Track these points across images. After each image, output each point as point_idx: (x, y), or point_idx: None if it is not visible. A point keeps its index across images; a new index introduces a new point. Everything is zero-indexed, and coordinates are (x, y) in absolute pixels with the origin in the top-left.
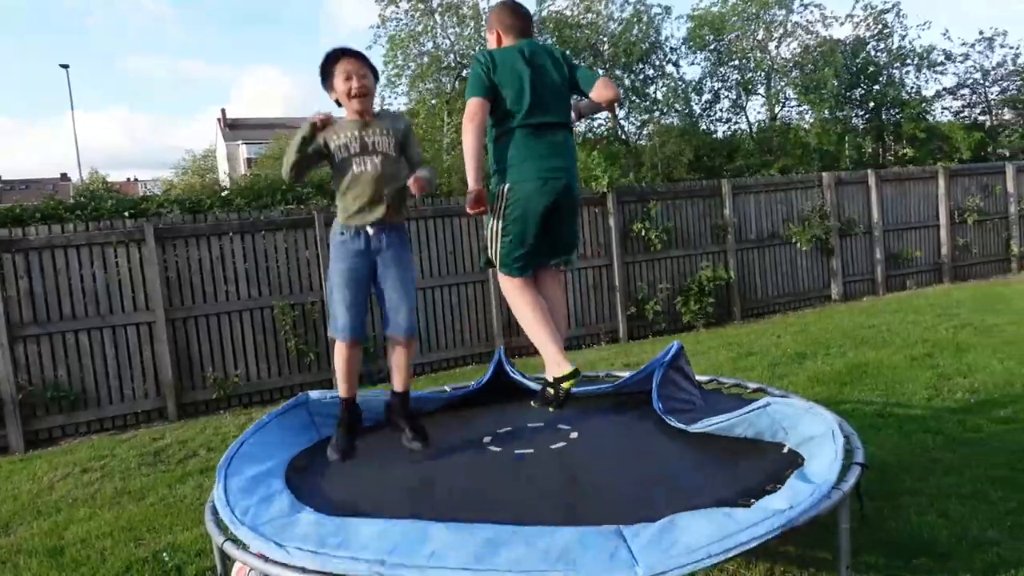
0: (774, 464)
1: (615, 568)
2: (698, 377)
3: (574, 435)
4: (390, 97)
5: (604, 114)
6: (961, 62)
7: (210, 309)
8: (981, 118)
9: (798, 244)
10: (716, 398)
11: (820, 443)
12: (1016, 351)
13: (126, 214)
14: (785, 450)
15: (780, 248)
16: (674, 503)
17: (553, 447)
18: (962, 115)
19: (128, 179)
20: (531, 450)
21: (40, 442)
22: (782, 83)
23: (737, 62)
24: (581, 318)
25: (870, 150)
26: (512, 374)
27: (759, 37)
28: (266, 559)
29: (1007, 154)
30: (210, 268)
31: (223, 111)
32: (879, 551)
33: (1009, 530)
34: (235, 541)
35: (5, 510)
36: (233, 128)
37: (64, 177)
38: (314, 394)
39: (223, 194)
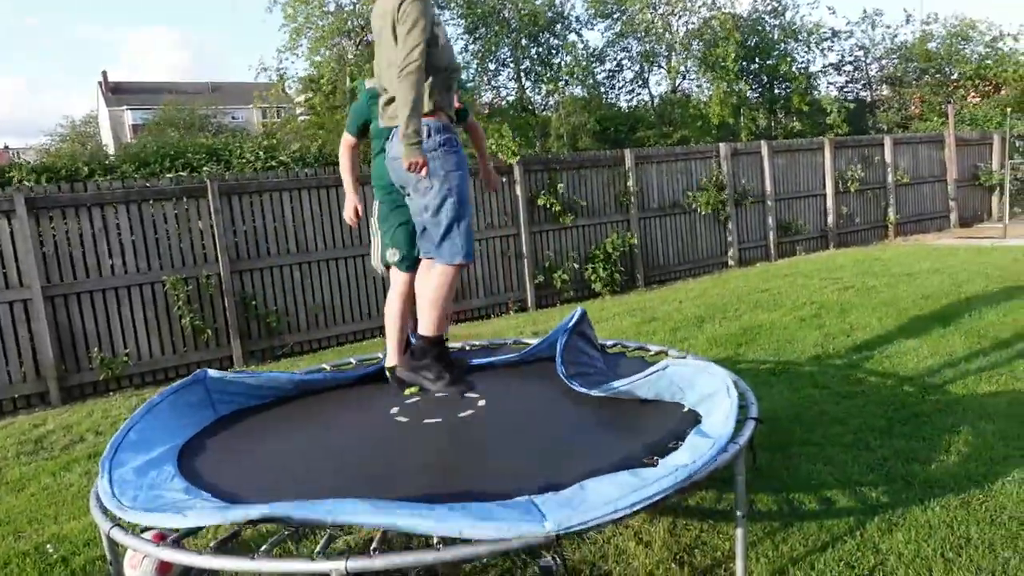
0: (675, 423)
1: (524, 522)
2: (603, 341)
3: (482, 403)
4: (288, 59)
5: (512, 84)
6: (846, 39)
7: (94, 285)
8: (863, 94)
9: (699, 210)
10: (619, 361)
11: (715, 400)
12: (892, 311)
13: None
14: (685, 409)
15: (681, 217)
16: (582, 466)
17: (461, 415)
18: (845, 90)
19: None
20: (439, 419)
21: None
22: (683, 55)
23: (640, 35)
24: (489, 287)
25: (764, 123)
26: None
27: (661, 11)
28: (160, 543)
29: (884, 128)
30: (92, 241)
31: (104, 74)
32: (772, 499)
33: (886, 475)
34: (124, 527)
35: None
36: (117, 92)
37: None
38: (213, 372)
39: (107, 161)
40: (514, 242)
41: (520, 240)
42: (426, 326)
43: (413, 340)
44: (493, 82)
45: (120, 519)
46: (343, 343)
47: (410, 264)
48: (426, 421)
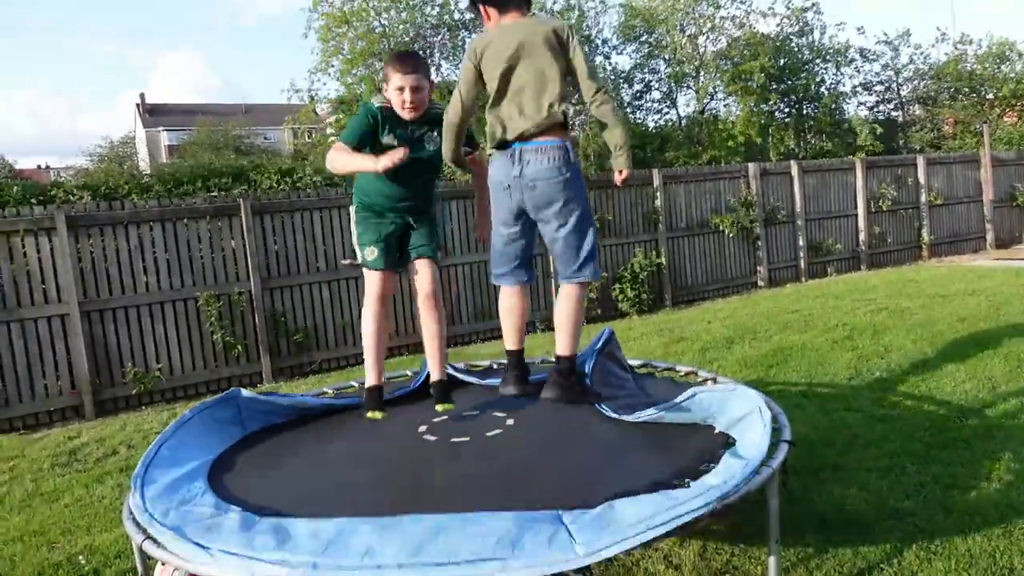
0: (707, 446)
1: (555, 549)
2: (631, 362)
3: (510, 422)
4: (319, 81)
5: None
6: (875, 60)
7: (128, 301)
8: (894, 113)
9: (726, 231)
10: (649, 382)
11: (748, 422)
12: (927, 333)
13: (33, 201)
14: (716, 432)
15: (709, 236)
16: (611, 488)
17: (489, 434)
18: (876, 110)
19: (38, 166)
20: (467, 438)
21: None
22: (711, 75)
23: (668, 56)
24: None
25: (793, 143)
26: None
27: (689, 32)
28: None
29: (917, 148)
30: (128, 258)
31: (142, 96)
32: (805, 525)
33: (923, 502)
34: (155, 540)
35: None
36: (153, 114)
37: None
38: (245, 392)
39: (142, 181)
40: (542, 261)
41: (548, 259)
42: (571, 347)
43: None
44: None
45: (151, 532)
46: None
47: (387, 263)
48: (454, 440)
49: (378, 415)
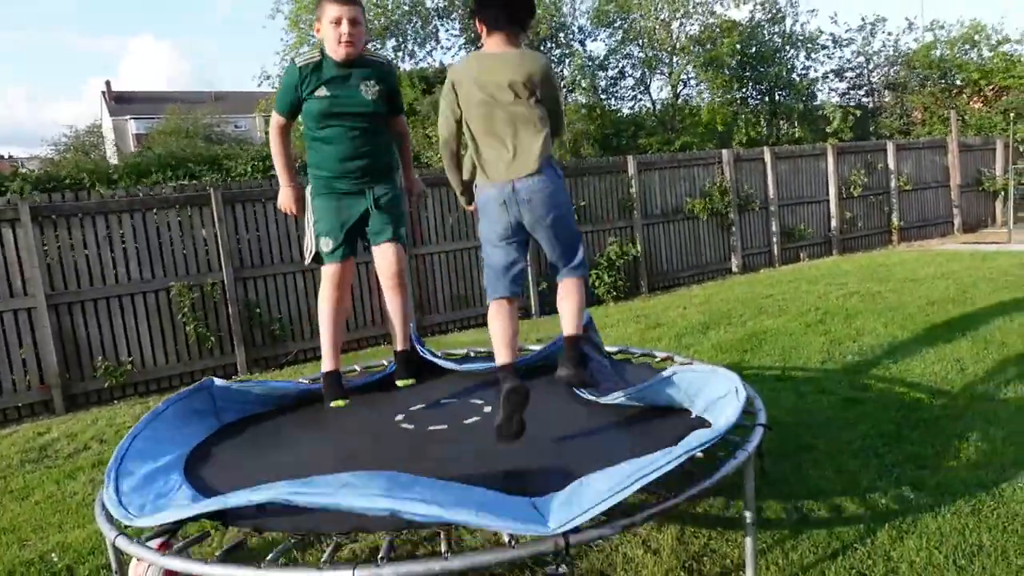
0: (683, 429)
1: (527, 522)
2: (608, 348)
3: (487, 409)
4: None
5: None
6: (846, 46)
7: (98, 293)
8: (864, 100)
9: (701, 217)
10: (625, 368)
11: (725, 402)
12: (898, 316)
13: None
14: (692, 416)
15: (684, 223)
16: (586, 470)
17: (466, 422)
18: (847, 96)
19: (1, 156)
20: (444, 426)
21: None
22: (684, 61)
23: (641, 41)
24: None
25: (765, 130)
26: (423, 353)
27: (663, 17)
28: (165, 550)
29: (887, 135)
30: (96, 249)
31: (108, 84)
32: (780, 506)
33: (895, 481)
34: (129, 536)
35: None
36: (120, 102)
37: None
38: (218, 381)
39: (108, 172)
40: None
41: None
42: (579, 327)
43: (418, 345)
44: None
45: (126, 527)
46: (346, 350)
47: (344, 253)
48: (431, 428)
49: (340, 403)
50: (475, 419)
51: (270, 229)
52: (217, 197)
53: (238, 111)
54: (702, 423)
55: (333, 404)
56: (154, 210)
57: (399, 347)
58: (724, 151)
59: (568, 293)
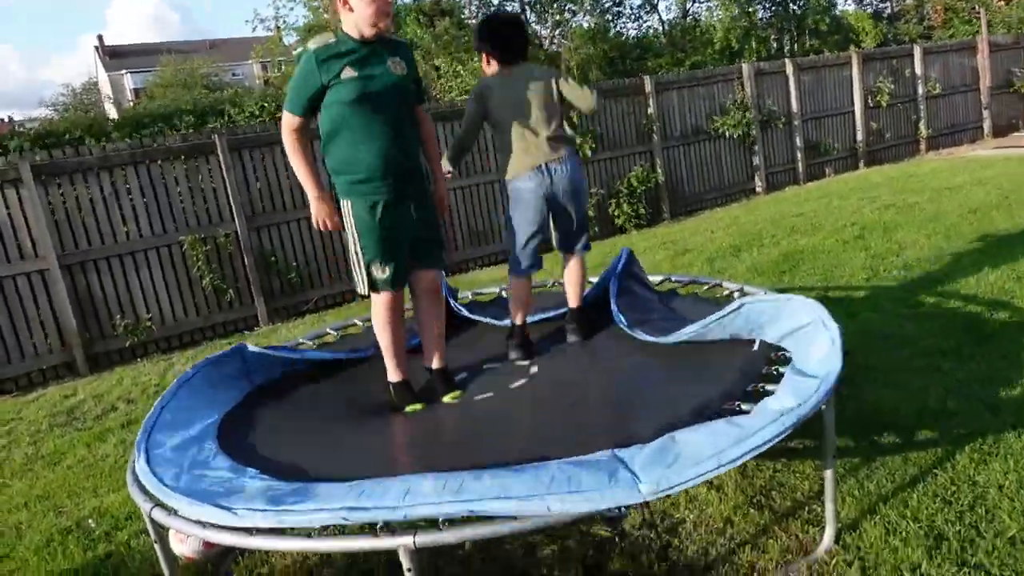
0: (757, 362)
1: (617, 487)
2: (678, 278)
3: (534, 369)
4: (286, 7)
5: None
6: None
7: (110, 250)
8: (881, 5)
9: (727, 132)
10: (674, 300)
11: (806, 334)
12: (939, 227)
13: None
14: (768, 345)
15: (705, 144)
16: (662, 418)
17: (513, 386)
18: (865, 2)
19: (1, 119)
20: (490, 394)
21: None
22: None
23: None
24: None
25: (776, 46)
26: (458, 310)
27: None
28: (204, 524)
29: (906, 40)
30: (104, 205)
31: (100, 38)
32: (847, 432)
33: (965, 400)
34: (165, 507)
35: None
36: (114, 56)
37: None
38: (251, 346)
39: (107, 127)
40: None
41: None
42: (578, 300)
43: (450, 299)
44: None
45: (161, 499)
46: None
47: (400, 281)
48: (477, 398)
49: (417, 407)
50: (522, 381)
51: (280, 175)
52: (223, 144)
53: (234, 59)
54: (781, 354)
55: (409, 409)
56: (159, 161)
57: (436, 364)
58: (744, 65)
59: (576, 268)
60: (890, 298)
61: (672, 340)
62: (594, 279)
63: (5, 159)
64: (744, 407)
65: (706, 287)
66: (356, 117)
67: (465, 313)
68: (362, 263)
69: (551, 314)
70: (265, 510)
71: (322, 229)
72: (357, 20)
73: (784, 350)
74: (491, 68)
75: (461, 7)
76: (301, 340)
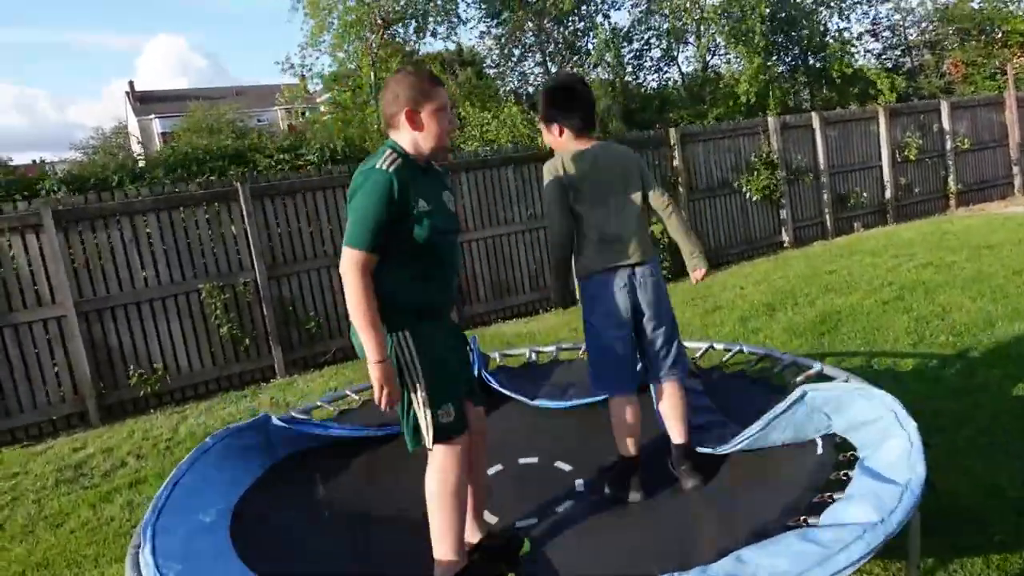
0: (826, 463)
1: None
2: (688, 344)
3: (579, 483)
4: (311, 57)
5: (538, 70)
6: (882, 2)
7: (128, 298)
8: (902, 60)
9: (748, 193)
10: (722, 382)
11: (878, 429)
12: (984, 288)
13: (18, 196)
14: (834, 445)
15: (731, 197)
16: (722, 534)
17: (559, 509)
18: (884, 57)
19: (33, 161)
20: (534, 520)
21: None
22: (711, 30)
23: (667, 11)
24: (536, 281)
25: (799, 98)
26: (488, 380)
27: None
28: None
29: (926, 96)
30: (123, 251)
31: (131, 84)
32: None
33: None
34: None
35: None
36: (144, 102)
37: None
38: (276, 419)
39: (136, 168)
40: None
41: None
42: (686, 435)
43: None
44: (518, 68)
45: None
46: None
47: (466, 422)
48: (519, 524)
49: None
50: (568, 504)
51: (300, 223)
52: (245, 191)
53: (259, 105)
54: (840, 452)
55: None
56: (180, 208)
57: (479, 536)
58: (770, 119)
59: (671, 395)
60: (940, 368)
61: (729, 449)
62: None
63: (28, 203)
64: (810, 521)
65: (754, 362)
66: (432, 253)
67: (496, 386)
68: (428, 411)
69: (576, 402)
70: None
71: (384, 403)
72: (421, 138)
73: (852, 448)
74: (561, 141)
75: (483, 58)
76: (320, 403)
